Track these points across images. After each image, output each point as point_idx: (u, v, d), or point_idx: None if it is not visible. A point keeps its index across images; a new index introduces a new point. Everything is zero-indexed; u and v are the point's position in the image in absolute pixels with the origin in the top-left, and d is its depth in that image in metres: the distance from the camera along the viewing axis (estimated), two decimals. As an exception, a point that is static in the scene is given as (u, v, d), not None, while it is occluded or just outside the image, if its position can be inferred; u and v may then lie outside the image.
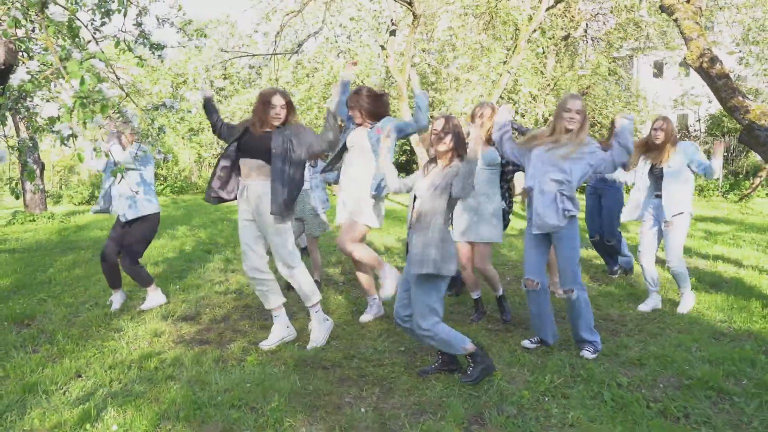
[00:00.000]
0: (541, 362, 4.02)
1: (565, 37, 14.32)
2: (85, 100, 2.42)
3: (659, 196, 5.17)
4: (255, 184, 4.14)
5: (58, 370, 3.79)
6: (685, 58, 6.48)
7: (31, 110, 6.69)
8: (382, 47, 11.28)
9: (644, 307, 5.29)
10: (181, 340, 4.43)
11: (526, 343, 4.31)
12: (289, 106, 4.18)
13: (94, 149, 3.08)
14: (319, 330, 4.36)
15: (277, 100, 4.12)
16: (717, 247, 8.22)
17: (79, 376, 3.76)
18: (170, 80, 14.88)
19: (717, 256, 7.55)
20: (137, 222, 5.14)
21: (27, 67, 2.54)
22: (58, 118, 2.52)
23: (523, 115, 12.62)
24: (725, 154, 16.88)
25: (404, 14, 11.60)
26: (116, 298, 5.25)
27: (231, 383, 3.58)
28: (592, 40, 15.86)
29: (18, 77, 2.51)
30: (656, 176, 5.20)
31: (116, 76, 5.00)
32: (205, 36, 4.75)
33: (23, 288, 6.06)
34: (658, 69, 24.82)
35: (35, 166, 11.02)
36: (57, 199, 17.16)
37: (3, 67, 3.48)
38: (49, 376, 3.71)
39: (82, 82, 2.38)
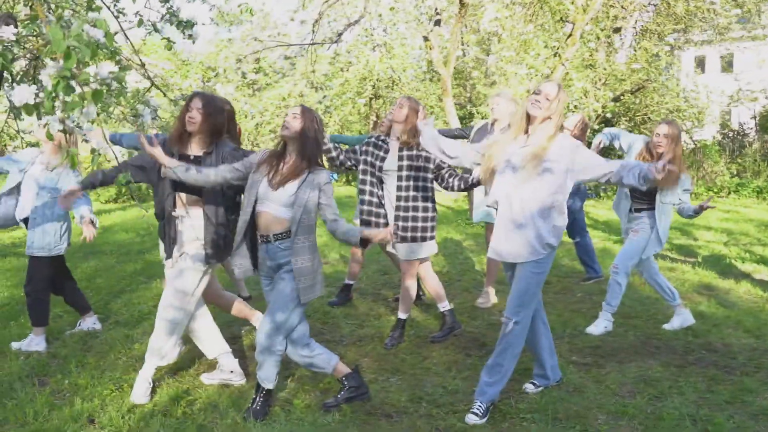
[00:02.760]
0: (652, 411, 3.26)
1: (617, 29, 13.42)
2: (72, 82, 1.72)
3: (639, 210, 4.61)
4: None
5: (67, 414, 3.14)
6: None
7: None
8: (425, 38, 10.55)
9: (669, 326, 4.63)
10: (213, 372, 3.76)
11: (529, 387, 3.54)
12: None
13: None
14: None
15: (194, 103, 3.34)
16: (805, 258, 7.32)
17: (92, 421, 3.11)
18: (201, 74, 14.32)
19: (810, 269, 6.67)
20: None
21: (0, 34, 1.85)
22: (37, 106, 1.82)
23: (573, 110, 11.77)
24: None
25: (449, 3, 10.86)
26: (88, 322, 4.58)
27: (275, 438, 2.90)
28: (643, 32, 14.89)
29: None
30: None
31: (141, 62, 4.35)
32: (251, 12, 4.06)
33: (39, 300, 5.47)
34: (700, 64, 23.70)
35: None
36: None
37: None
38: (56, 422, 3.07)
39: (68, 56, 1.67)
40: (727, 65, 23.60)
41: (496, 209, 3.30)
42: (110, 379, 3.62)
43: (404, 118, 4.08)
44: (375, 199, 4.25)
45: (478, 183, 4.12)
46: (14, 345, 4.22)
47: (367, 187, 4.27)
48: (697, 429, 3.07)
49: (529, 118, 3.20)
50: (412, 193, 4.15)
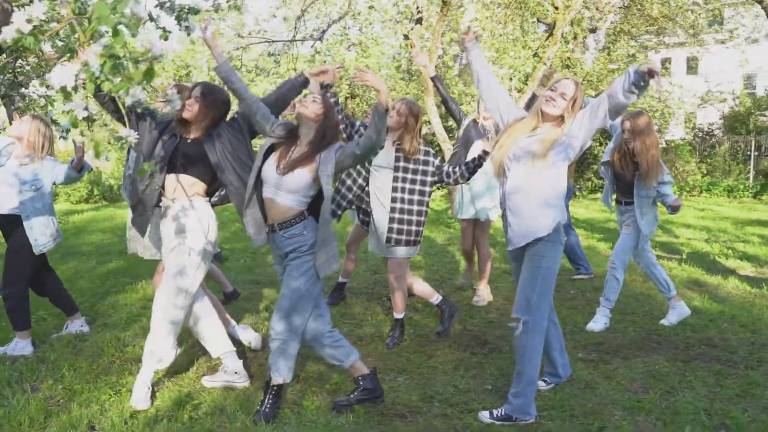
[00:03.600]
0: (667, 406, 3.24)
1: (593, 30, 13.57)
2: (119, 61, 1.60)
3: (628, 203, 4.64)
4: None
5: (65, 420, 2.97)
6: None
7: (27, 97, 5.85)
8: (406, 36, 10.48)
9: (667, 321, 4.63)
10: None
11: (540, 384, 3.40)
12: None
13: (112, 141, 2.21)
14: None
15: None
16: (786, 254, 7.47)
17: (92, 428, 2.95)
18: (173, 72, 14.01)
19: (792, 265, 6.80)
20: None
21: (28, 15, 1.71)
22: (75, 89, 1.69)
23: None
24: (756, 153, 16.16)
25: (428, 2, 10.79)
26: (76, 324, 4.40)
27: (290, 442, 2.78)
28: (616, 33, 15.10)
29: (12, 28, 1.67)
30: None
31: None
32: (239, 10, 3.94)
33: (18, 303, 5.22)
34: (665, 66, 24.24)
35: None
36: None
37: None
38: (54, 429, 2.90)
39: (116, 33, 1.56)
40: (694, 67, 24.12)
41: (504, 205, 3.20)
42: (106, 383, 3.44)
43: (402, 125, 3.98)
44: (357, 188, 4.21)
45: (480, 164, 4.01)
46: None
47: (353, 172, 4.19)
48: (713, 423, 3.05)
49: (543, 115, 3.11)
50: (408, 196, 4.04)
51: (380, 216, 4.11)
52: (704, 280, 6.10)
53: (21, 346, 4.00)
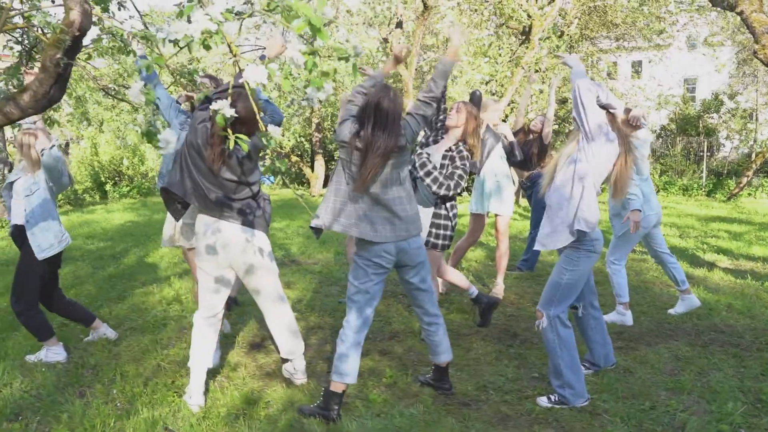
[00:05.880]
0: (703, 386, 3.48)
1: (560, 35, 14.05)
2: (318, 60, 1.69)
3: None
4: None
5: (139, 423, 2.97)
6: (755, 53, 6.12)
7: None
8: (386, 40, 10.63)
9: (675, 311, 4.91)
10: (266, 374, 3.65)
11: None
12: None
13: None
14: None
15: None
16: (755, 248, 7.95)
17: (167, 429, 2.95)
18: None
19: (765, 258, 7.26)
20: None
21: (208, 15, 1.74)
22: (264, 88, 1.75)
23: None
24: (708, 153, 17.02)
25: (405, 7, 10.98)
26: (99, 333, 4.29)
27: (373, 432, 2.87)
28: (576, 38, 15.65)
29: (199, 27, 1.68)
30: None
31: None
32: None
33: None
34: (612, 69, 25.09)
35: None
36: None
37: (77, 33, 2.62)
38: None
39: (320, 32, 1.64)
40: (638, 71, 25.05)
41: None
42: (162, 384, 3.44)
43: (462, 123, 4.11)
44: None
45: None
46: (30, 358, 3.92)
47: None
48: (749, 399, 3.31)
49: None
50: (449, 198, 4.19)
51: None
52: (691, 273, 6.44)
53: (54, 352, 3.93)
